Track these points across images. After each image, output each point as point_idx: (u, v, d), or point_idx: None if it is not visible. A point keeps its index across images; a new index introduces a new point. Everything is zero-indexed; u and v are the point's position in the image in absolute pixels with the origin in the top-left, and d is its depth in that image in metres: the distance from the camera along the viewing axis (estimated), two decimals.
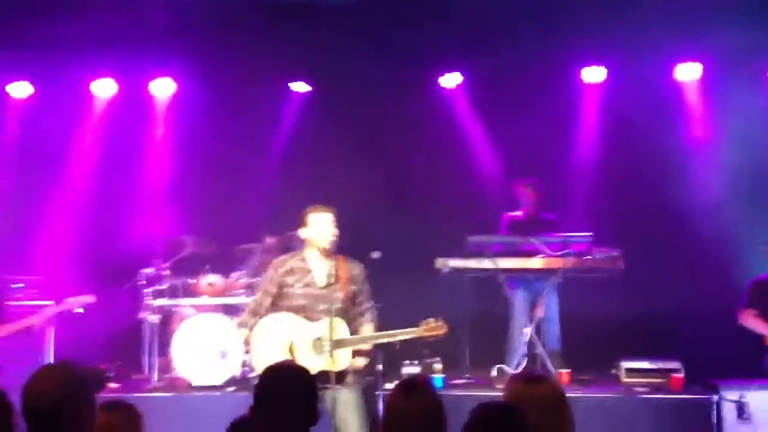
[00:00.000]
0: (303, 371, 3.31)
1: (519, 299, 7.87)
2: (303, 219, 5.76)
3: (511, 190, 8.39)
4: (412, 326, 5.68)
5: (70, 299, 7.01)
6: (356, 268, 5.79)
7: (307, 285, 5.67)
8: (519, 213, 8.28)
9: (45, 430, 2.85)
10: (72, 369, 3.03)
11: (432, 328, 5.62)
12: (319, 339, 5.54)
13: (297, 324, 5.61)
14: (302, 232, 5.78)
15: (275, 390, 3.12)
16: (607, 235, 7.58)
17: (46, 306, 7.34)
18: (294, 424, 3.09)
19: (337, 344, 5.47)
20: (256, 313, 5.79)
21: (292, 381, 3.17)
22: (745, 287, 7.17)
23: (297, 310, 5.65)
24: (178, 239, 8.44)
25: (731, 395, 6.61)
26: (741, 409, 6.57)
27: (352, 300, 5.75)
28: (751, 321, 7.02)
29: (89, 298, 7.04)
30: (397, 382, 3.44)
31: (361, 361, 5.71)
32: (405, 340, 5.71)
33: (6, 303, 7.38)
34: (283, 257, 5.92)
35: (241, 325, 6.06)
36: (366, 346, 5.71)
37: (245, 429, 3.40)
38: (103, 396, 3.53)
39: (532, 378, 3.43)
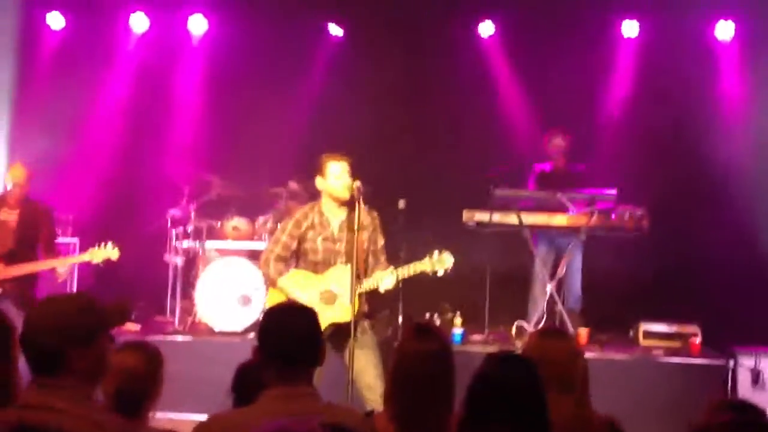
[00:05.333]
0: (304, 311, 3.20)
1: (542, 255, 7.81)
2: (320, 167, 5.54)
3: (541, 141, 8.26)
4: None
5: (94, 250, 6.66)
6: (368, 217, 5.58)
7: (325, 239, 5.54)
8: (548, 165, 8.14)
9: (46, 365, 2.55)
10: (82, 301, 2.67)
11: (438, 261, 5.40)
12: (327, 290, 5.47)
13: (305, 279, 5.53)
14: (318, 182, 5.58)
15: (276, 332, 3.04)
16: (633, 192, 7.49)
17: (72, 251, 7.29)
18: (297, 365, 3.02)
19: (345, 292, 5.36)
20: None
21: (292, 321, 3.06)
22: None
23: (316, 263, 5.54)
24: (205, 180, 8.32)
25: (747, 362, 6.59)
26: (756, 376, 6.54)
27: (367, 250, 5.56)
28: None
29: (113, 253, 6.64)
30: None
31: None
32: (414, 278, 5.49)
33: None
34: (303, 210, 5.70)
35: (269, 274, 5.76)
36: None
37: (252, 372, 3.35)
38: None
39: (548, 332, 3.46)
